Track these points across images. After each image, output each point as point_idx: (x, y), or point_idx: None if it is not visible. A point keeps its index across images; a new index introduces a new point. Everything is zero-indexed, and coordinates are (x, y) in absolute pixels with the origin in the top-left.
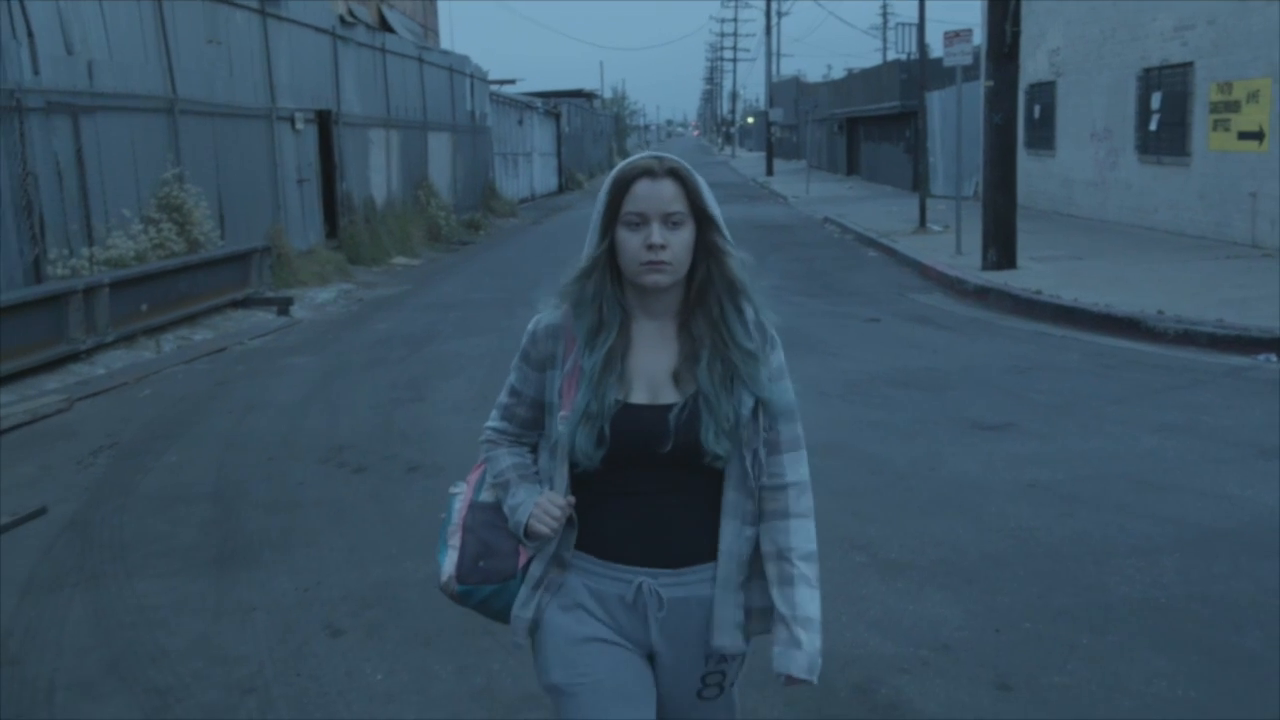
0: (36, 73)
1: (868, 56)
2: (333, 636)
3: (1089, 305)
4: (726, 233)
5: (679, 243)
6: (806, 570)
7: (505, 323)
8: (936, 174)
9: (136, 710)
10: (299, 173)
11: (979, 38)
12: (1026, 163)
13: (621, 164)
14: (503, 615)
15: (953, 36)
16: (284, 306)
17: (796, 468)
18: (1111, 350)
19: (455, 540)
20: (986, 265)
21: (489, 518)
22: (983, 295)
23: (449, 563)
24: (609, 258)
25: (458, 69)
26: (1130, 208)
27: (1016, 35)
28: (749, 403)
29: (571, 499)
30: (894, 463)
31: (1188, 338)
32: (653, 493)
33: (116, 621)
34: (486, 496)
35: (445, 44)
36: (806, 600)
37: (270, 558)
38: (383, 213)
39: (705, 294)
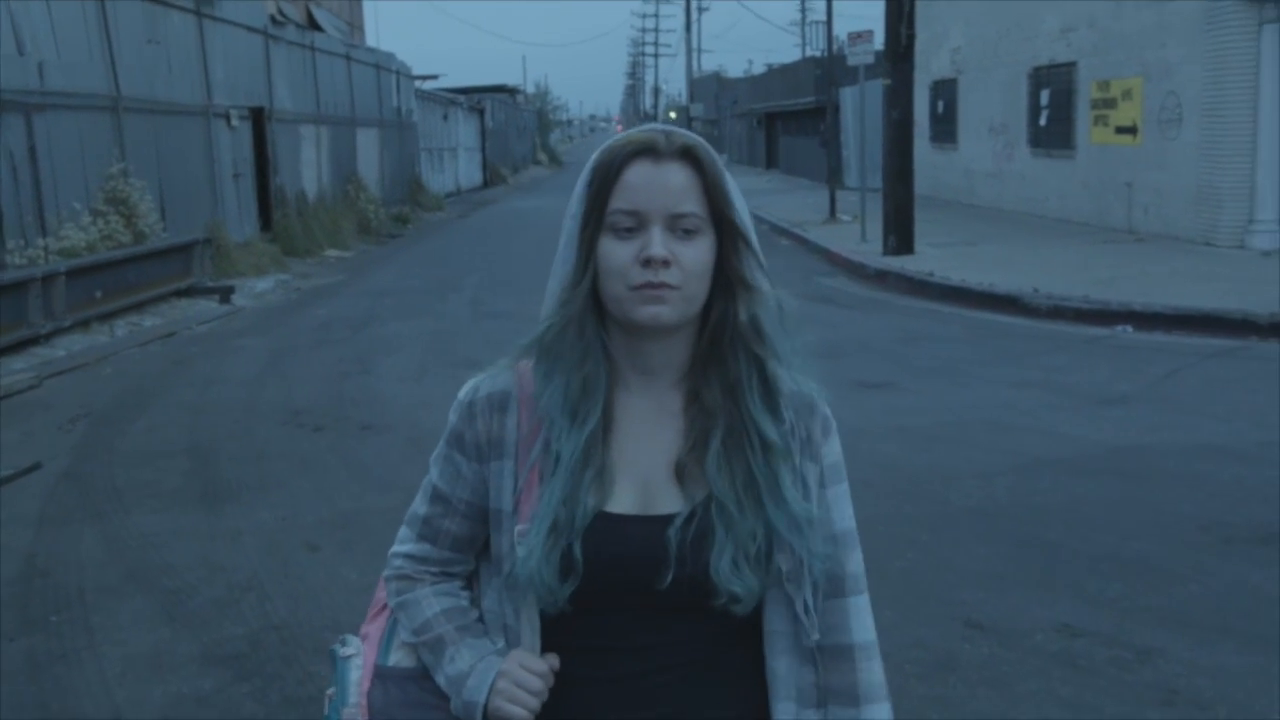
0: None
1: (787, 52)
2: (311, 551)
3: (974, 285)
4: (760, 256)
5: (692, 259)
6: None
7: (440, 307)
8: (851, 167)
9: (156, 604)
10: (235, 167)
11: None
12: (932, 155)
13: (608, 141)
14: None
15: (855, 37)
16: (225, 295)
17: (864, 620)
18: (990, 324)
19: None
20: (887, 251)
21: (411, 693)
22: (882, 278)
23: None
24: (593, 288)
25: (384, 66)
26: (1024, 197)
27: (911, 38)
28: (799, 513)
29: (554, 660)
30: None
31: (1058, 312)
32: (635, 650)
33: (124, 545)
34: (400, 659)
35: (371, 41)
36: None
37: (249, 496)
38: (314, 206)
39: (721, 346)
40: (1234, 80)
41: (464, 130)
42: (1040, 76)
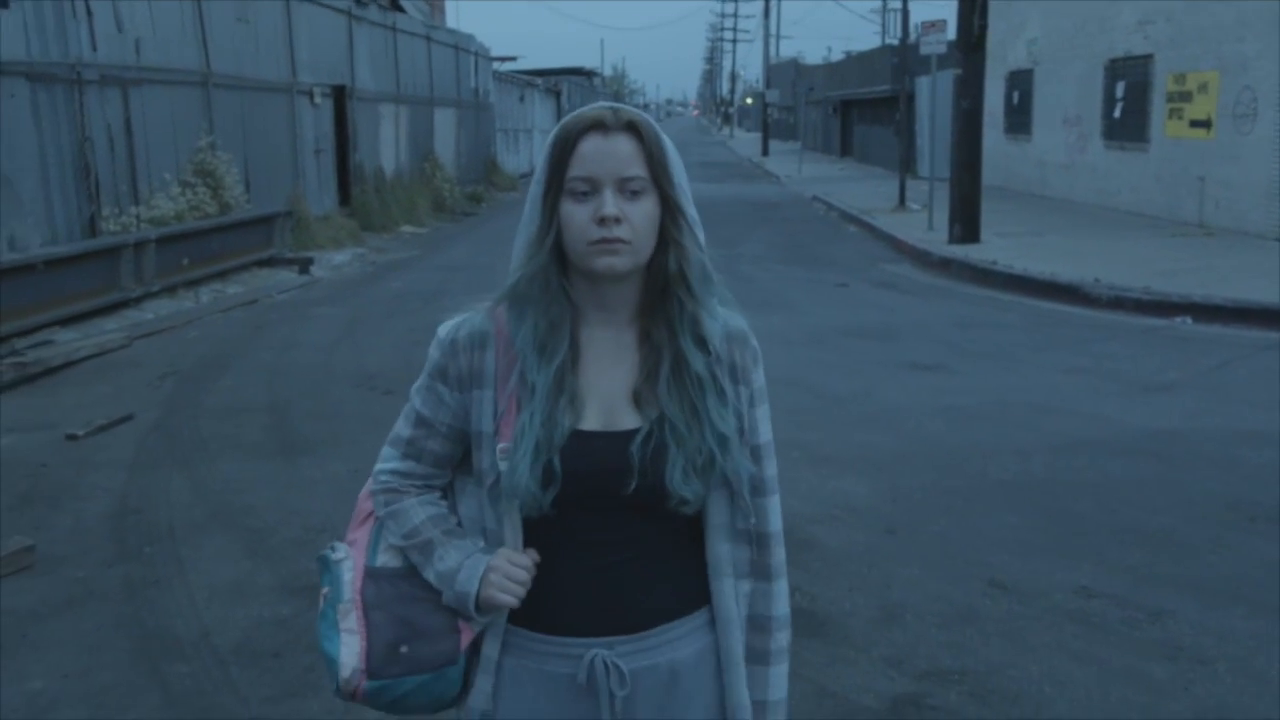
0: (94, 49)
1: (867, 39)
2: None
3: (1036, 274)
4: (692, 213)
5: (640, 216)
6: (784, 641)
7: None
8: (924, 156)
9: (238, 541)
10: (316, 144)
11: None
12: (1006, 146)
13: (564, 119)
14: (427, 709)
15: (929, 27)
16: (305, 266)
17: (777, 515)
18: (1048, 312)
19: (353, 623)
20: (952, 239)
21: (401, 588)
22: (945, 266)
23: (349, 653)
24: (556, 243)
25: (463, 47)
26: (1096, 189)
27: (984, 28)
28: (726, 432)
29: (535, 554)
30: (836, 391)
31: (1118, 302)
32: (604, 544)
33: (209, 489)
34: (387, 560)
35: (450, 22)
36: (780, 681)
37: (323, 450)
38: (391, 183)
39: (665, 290)
40: None
41: (540, 112)
42: (1116, 69)
